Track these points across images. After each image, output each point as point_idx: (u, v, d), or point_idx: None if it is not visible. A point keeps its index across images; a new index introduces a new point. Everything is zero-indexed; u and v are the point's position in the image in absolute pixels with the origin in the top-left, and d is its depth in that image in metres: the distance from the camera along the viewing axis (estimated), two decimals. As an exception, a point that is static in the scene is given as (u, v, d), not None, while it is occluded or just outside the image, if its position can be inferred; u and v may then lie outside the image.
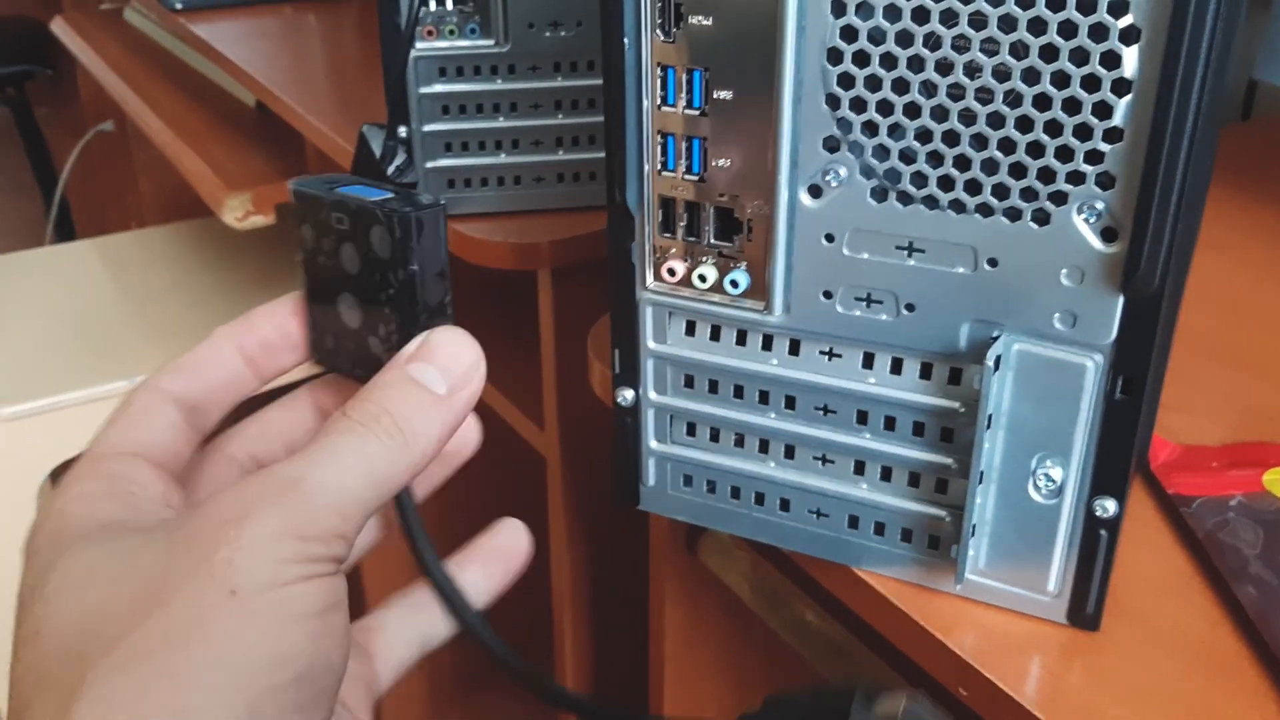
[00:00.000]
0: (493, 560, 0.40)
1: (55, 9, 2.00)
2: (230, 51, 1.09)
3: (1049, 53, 0.33)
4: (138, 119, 1.35)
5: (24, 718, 0.27)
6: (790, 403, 0.42)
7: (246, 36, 1.16)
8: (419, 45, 0.66)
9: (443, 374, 0.33)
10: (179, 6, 1.17)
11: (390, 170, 0.36)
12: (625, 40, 0.38)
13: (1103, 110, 0.33)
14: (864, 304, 0.39)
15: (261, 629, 0.28)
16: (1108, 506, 0.38)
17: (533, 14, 0.66)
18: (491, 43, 0.67)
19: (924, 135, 0.36)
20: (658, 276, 0.42)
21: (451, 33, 0.67)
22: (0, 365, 1.20)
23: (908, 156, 0.36)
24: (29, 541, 0.31)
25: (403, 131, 0.68)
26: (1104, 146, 0.33)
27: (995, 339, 0.37)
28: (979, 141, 0.35)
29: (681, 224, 0.41)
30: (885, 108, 0.36)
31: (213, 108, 1.28)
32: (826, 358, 0.41)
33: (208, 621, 0.27)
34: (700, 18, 0.37)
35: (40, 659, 0.28)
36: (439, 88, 0.68)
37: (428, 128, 0.68)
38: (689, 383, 0.44)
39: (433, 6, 0.66)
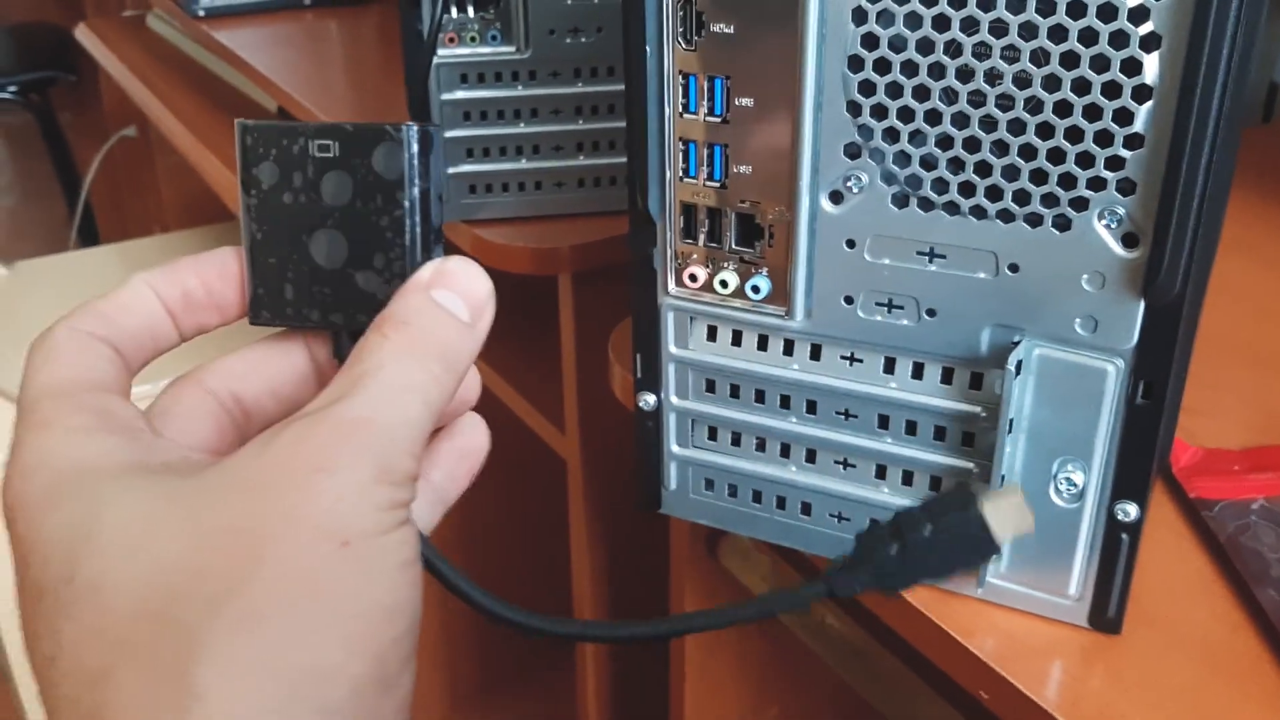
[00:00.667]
0: (454, 460, 0.37)
1: (79, 15, 2.01)
2: (252, 57, 1.10)
3: (1070, 60, 0.33)
4: (160, 124, 1.36)
5: (104, 684, 0.25)
6: (812, 407, 0.42)
7: (268, 42, 1.17)
8: (441, 52, 0.66)
9: (466, 301, 0.32)
10: (201, 13, 1.18)
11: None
12: (647, 48, 0.39)
13: (1123, 117, 0.33)
14: (885, 309, 0.39)
15: (378, 579, 0.27)
16: (1129, 511, 0.38)
17: (553, 21, 0.67)
18: (512, 49, 0.67)
19: (945, 142, 0.36)
20: (679, 282, 0.42)
21: (473, 40, 0.67)
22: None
23: (929, 163, 0.36)
24: (18, 483, 0.28)
25: (424, 137, 0.68)
26: (1125, 153, 0.34)
27: (1016, 344, 0.37)
28: (1000, 148, 0.35)
29: (703, 230, 0.41)
30: (906, 114, 0.36)
31: (235, 113, 1.29)
32: (848, 362, 0.41)
33: (325, 575, 0.26)
34: (721, 25, 0.37)
35: (113, 620, 0.26)
36: (460, 94, 0.68)
37: (449, 133, 0.69)
38: (710, 387, 0.44)
39: (454, 14, 0.66)
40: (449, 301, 0.31)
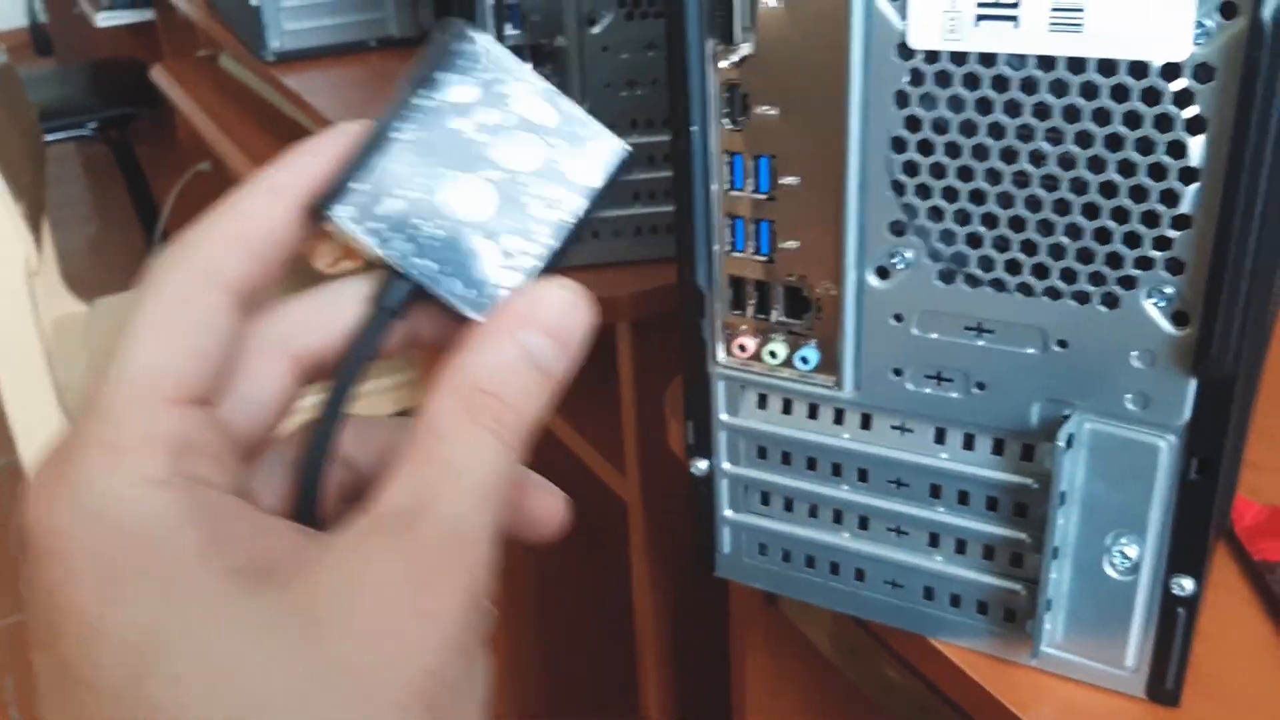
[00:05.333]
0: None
1: (157, 53, 2.07)
2: (318, 100, 1.13)
3: (1114, 142, 0.33)
4: (230, 161, 1.39)
5: None
6: (863, 475, 0.42)
7: (335, 84, 1.19)
8: (498, 108, 0.67)
9: (560, 349, 0.27)
10: (271, 58, 1.21)
11: None
12: (693, 129, 0.39)
13: (1170, 198, 0.33)
14: (934, 381, 0.39)
15: None
16: (1185, 585, 0.38)
17: (609, 75, 0.68)
18: (569, 103, 0.68)
19: (990, 220, 0.36)
20: (729, 352, 0.43)
21: (530, 95, 0.68)
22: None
23: (974, 240, 0.37)
24: (66, 516, 0.24)
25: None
26: (1172, 233, 0.33)
27: (1067, 418, 0.37)
28: (1045, 227, 0.35)
29: (751, 302, 0.42)
30: (950, 194, 0.36)
31: (304, 152, 1.32)
32: (899, 432, 0.41)
33: None
34: (766, 108, 0.38)
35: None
36: (518, 148, 0.69)
37: (508, 186, 0.70)
38: (762, 454, 0.44)
39: (511, 71, 0.67)
40: (541, 351, 0.27)
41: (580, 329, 0.28)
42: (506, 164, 0.28)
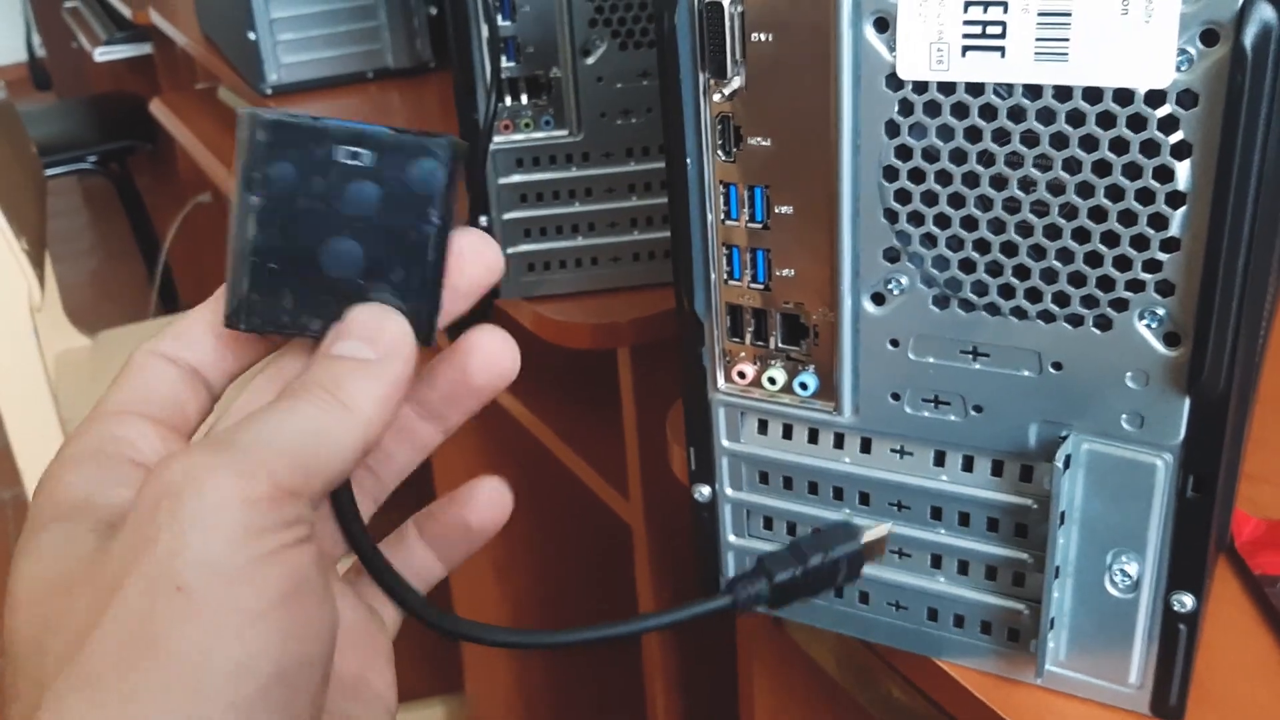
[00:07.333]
0: (456, 533, 0.36)
1: (154, 86, 2.09)
2: (318, 132, 1.14)
3: (1102, 168, 0.34)
4: (230, 195, 1.40)
5: None
6: (864, 499, 0.43)
7: (333, 115, 1.20)
8: (496, 139, 0.68)
9: (367, 342, 0.30)
10: (269, 91, 1.22)
11: None
12: (688, 160, 0.40)
13: (1159, 221, 0.34)
14: (932, 405, 0.40)
15: (216, 632, 0.24)
16: (1185, 601, 0.38)
17: (604, 105, 0.68)
18: (565, 133, 0.69)
19: (982, 246, 0.36)
20: (729, 379, 0.43)
21: (527, 125, 0.69)
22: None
23: (968, 266, 0.37)
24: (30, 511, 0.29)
25: (483, 220, 0.70)
26: (1162, 256, 0.34)
27: (1064, 438, 0.38)
28: (1037, 252, 0.36)
29: (749, 329, 0.42)
30: (942, 221, 0.37)
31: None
32: (898, 455, 0.42)
33: (157, 629, 0.24)
34: (760, 139, 0.38)
35: (10, 669, 0.26)
36: (516, 178, 0.70)
37: (507, 216, 0.71)
38: (764, 479, 0.45)
39: (509, 102, 0.68)
40: (344, 349, 0.30)
41: (383, 324, 0.31)
42: (353, 212, 0.31)
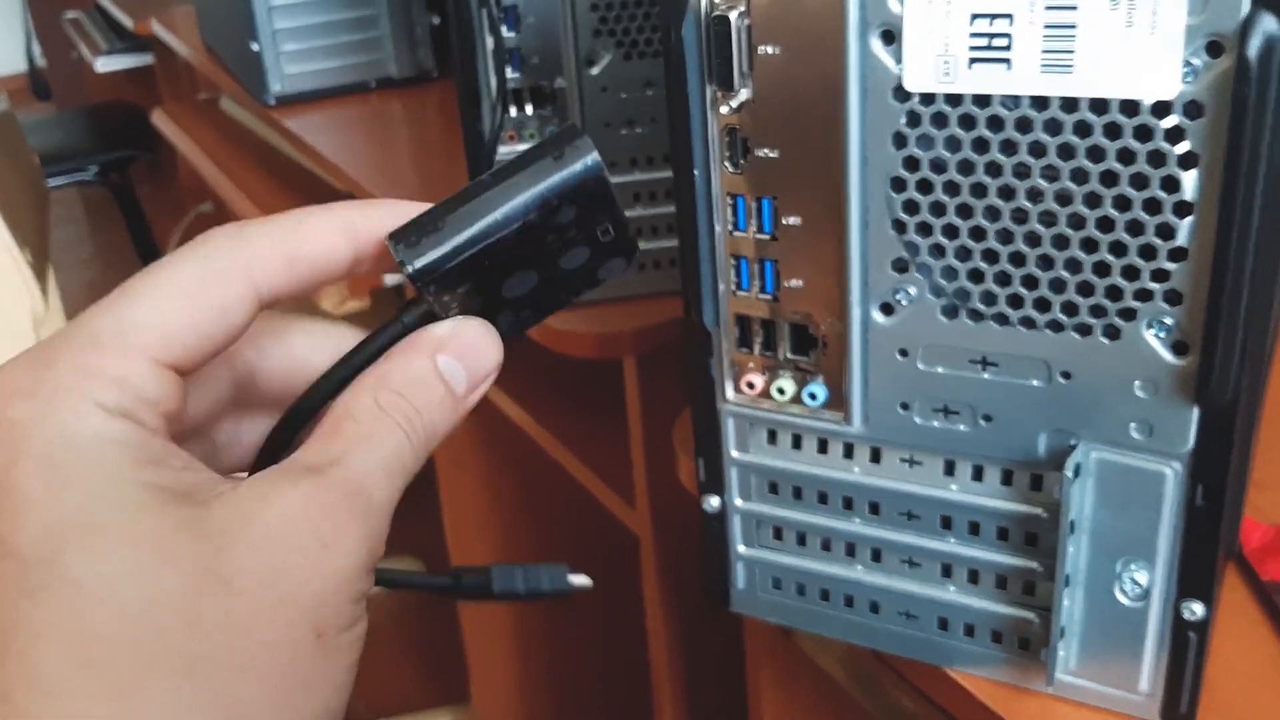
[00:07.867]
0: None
1: (154, 97, 2.09)
2: (319, 141, 1.14)
3: (1109, 178, 0.34)
4: (232, 204, 1.40)
5: (58, 694, 0.24)
6: (874, 508, 0.43)
7: (335, 125, 1.20)
8: (501, 149, 0.68)
9: (468, 375, 0.30)
10: (273, 102, 1.22)
11: None
12: (696, 172, 0.40)
13: (1166, 231, 0.34)
14: (942, 414, 0.40)
15: (344, 675, 0.26)
16: (1195, 609, 0.38)
17: (609, 115, 0.68)
18: (569, 143, 0.69)
19: (990, 256, 0.37)
20: (737, 389, 0.43)
21: (531, 136, 0.69)
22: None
23: (976, 275, 0.37)
24: (25, 435, 0.26)
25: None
26: (1169, 265, 0.34)
27: (1073, 448, 0.38)
28: (1045, 261, 0.36)
29: (758, 340, 0.42)
30: (950, 231, 0.37)
31: (305, 193, 1.33)
32: (908, 465, 0.42)
33: (299, 669, 0.26)
34: (767, 150, 0.39)
35: (89, 630, 0.24)
36: (520, 188, 0.70)
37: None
38: (773, 489, 0.45)
39: (513, 113, 0.68)
40: (451, 372, 0.30)
41: (488, 361, 0.31)
42: (565, 265, 0.31)
